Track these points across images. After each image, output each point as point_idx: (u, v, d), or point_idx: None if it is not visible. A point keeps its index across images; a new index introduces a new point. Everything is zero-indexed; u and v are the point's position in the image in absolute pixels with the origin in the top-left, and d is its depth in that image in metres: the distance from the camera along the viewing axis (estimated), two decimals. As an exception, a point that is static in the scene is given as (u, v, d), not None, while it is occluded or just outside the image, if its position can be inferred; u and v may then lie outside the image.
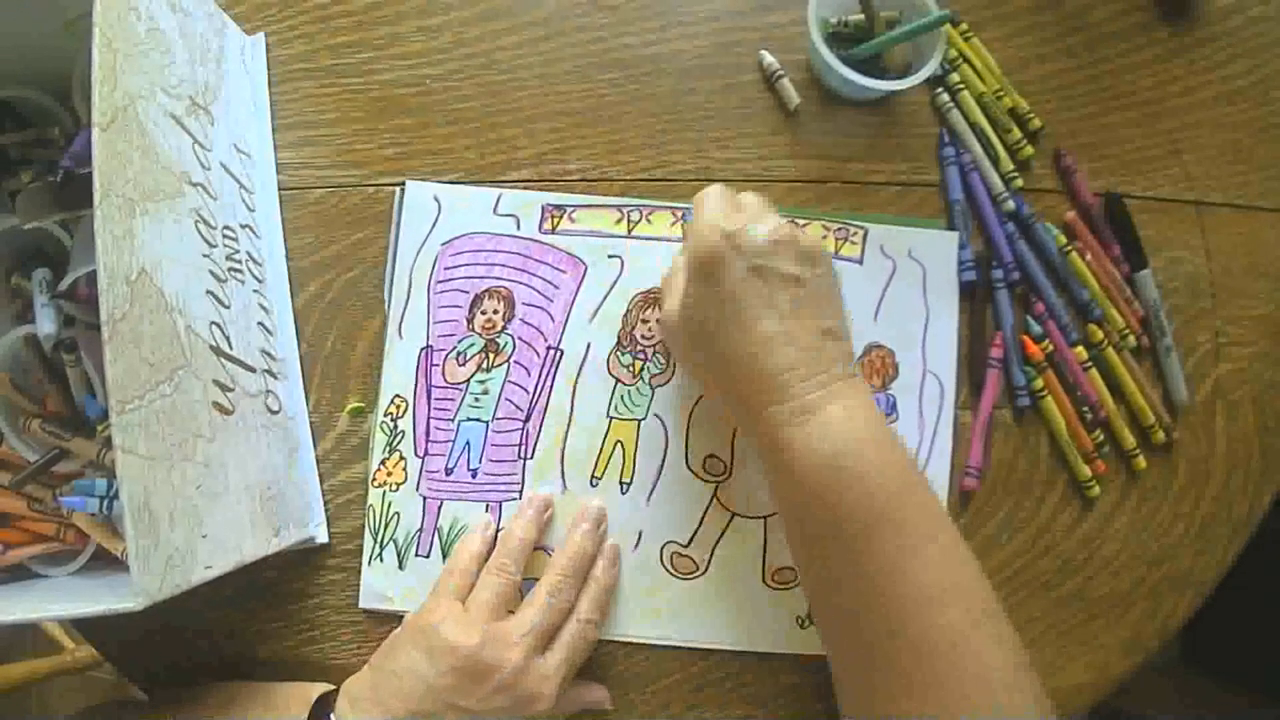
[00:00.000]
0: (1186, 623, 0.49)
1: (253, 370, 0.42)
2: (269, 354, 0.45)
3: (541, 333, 0.47)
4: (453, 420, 0.47)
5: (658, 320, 0.47)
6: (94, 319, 0.39)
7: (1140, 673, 0.48)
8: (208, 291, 0.39)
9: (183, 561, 0.32)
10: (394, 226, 0.48)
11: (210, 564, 0.34)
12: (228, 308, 0.40)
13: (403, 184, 0.48)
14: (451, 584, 0.43)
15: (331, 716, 0.39)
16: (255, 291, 0.45)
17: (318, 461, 0.47)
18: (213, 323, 0.38)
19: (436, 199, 0.48)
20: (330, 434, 0.47)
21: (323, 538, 0.46)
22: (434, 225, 0.48)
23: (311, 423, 0.47)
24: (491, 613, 0.41)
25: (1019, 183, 0.50)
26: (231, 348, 0.40)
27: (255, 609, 0.46)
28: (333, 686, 0.42)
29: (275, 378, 0.45)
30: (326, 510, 0.46)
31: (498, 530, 0.46)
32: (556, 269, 0.48)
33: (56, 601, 0.38)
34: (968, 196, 0.49)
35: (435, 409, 0.47)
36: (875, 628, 0.35)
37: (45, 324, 0.43)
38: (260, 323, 0.45)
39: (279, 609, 0.46)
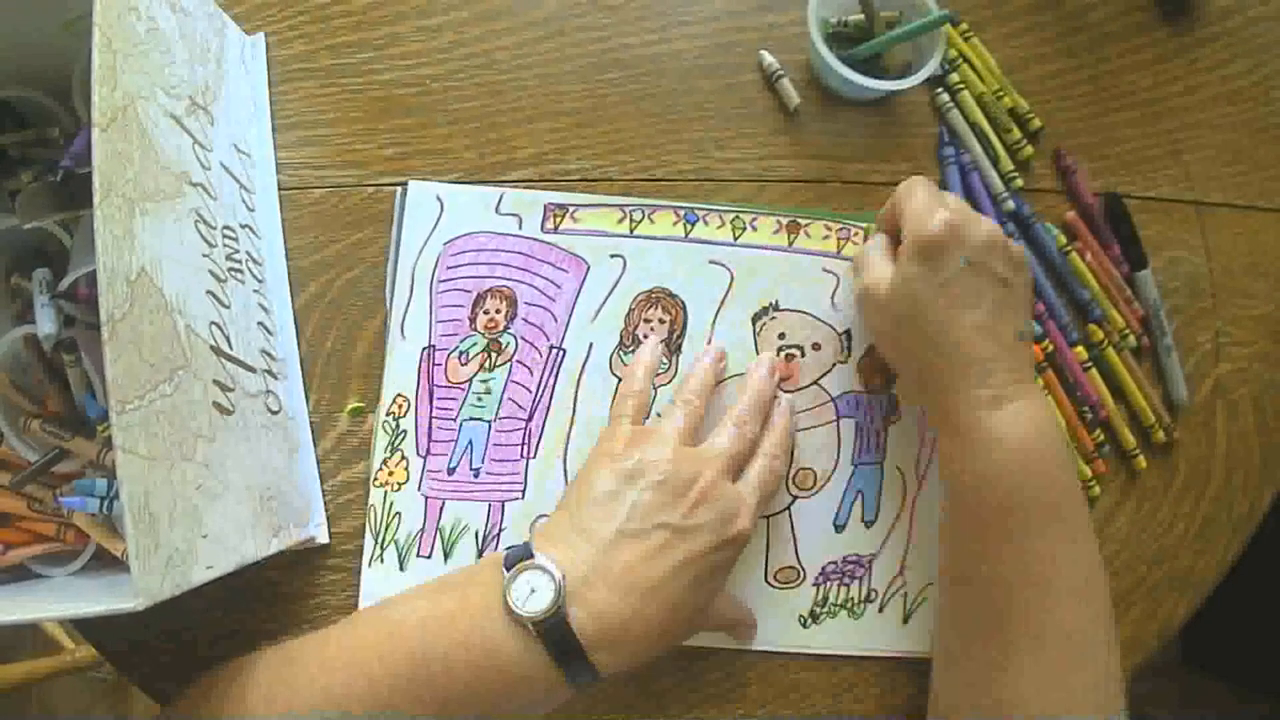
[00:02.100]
0: (1186, 623, 0.49)
1: (253, 370, 0.42)
2: (269, 354, 0.45)
3: (544, 332, 0.47)
4: (455, 420, 0.47)
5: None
6: (94, 319, 0.39)
7: (1140, 673, 0.48)
8: (208, 291, 0.39)
9: (183, 561, 0.32)
10: (396, 226, 0.48)
11: (210, 564, 0.34)
12: (228, 308, 0.40)
13: (403, 184, 0.48)
14: (628, 407, 0.43)
15: (535, 553, 0.37)
16: (255, 291, 0.45)
17: (318, 461, 0.47)
18: (213, 323, 0.38)
19: (439, 199, 0.48)
20: (330, 434, 0.47)
21: (323, 538, 0.46)
22: (436, 225, 0.48)
23: (312, 423, 0.47)
24: (680, 437, 0.41)
25: (1019, 183, 0.50)
26: (231, 348, 0.40)
27: (255, 609, 0.46)
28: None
29: (275, 378, 0.45)
30: (327, 510, 0.46)
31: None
32: (559, 268, 0.48)
33: (56, 601, 0.38)
34: (968, 196, 0.49)
35: (438, 408, 0.47)
36: (1024, 605, 0.37)
37: (45, 324, 0.42)
38: (260, 323, 0.45)
39: (279, 609, 0.46)
